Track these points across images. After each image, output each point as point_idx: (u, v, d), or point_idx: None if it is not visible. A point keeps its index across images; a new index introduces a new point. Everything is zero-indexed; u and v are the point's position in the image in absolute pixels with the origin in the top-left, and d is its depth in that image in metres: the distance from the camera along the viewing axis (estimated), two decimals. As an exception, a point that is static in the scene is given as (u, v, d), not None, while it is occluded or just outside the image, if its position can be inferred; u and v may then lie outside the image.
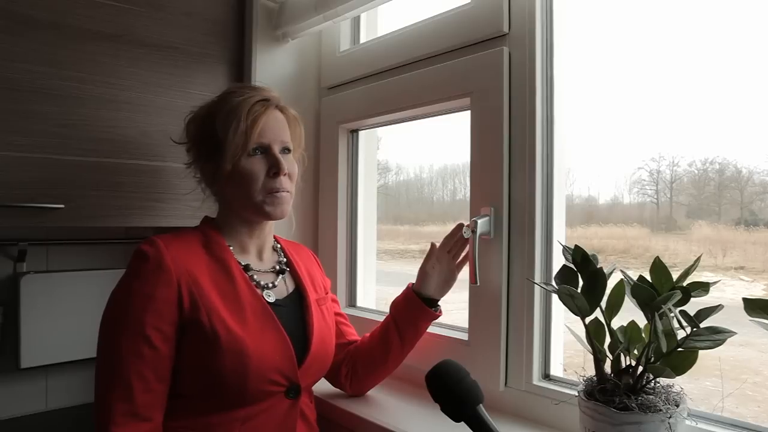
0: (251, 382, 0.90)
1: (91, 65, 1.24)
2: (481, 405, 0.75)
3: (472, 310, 1.15)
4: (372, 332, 1.17)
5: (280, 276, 1.06)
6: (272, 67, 1.51)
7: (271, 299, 1.00)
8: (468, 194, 1.19)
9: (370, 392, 1.22)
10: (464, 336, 1.18)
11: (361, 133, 1.54)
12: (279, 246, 1.13)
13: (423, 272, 1.13)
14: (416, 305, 1.11)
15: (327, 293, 1.15)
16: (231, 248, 1.01)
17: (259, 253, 1.06)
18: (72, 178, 1.21)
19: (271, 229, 1.09)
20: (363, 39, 1.56)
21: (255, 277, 1.01)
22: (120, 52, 1.28)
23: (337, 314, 1.19)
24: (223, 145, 0.96)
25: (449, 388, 0.76)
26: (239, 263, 1.00)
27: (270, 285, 1.02)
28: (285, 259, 1.10)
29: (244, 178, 0.97)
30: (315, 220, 1.59)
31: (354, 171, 1.53)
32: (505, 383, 1.10)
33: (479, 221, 1.09)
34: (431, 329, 1.26)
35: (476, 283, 1.08)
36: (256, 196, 0.98)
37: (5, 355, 1.38)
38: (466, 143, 1.17)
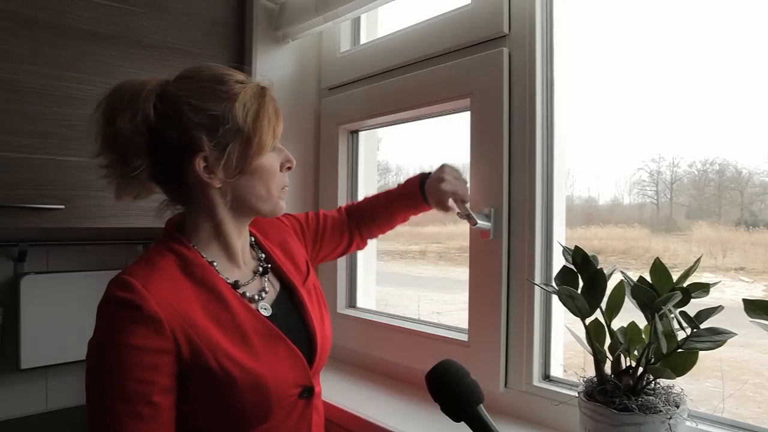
0: (274, 405, 0.87)
1: (91, 66, 1.24)
2: (481, 405, 0.75)
3: (472, 311, 1.15)
4: (373, 203, 1.21)
5: (265, 278, 0.99)
6: (272, 68, 1.51)
7: (268, 313, 0.93)
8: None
9: (370, 392, 1.23)
10: (464, 337, 1.18)
11: (361, 134, 1.54)
12: (254, 240, 1.04)
13: (440, 192, 1.10)
14: (420, 201, 1.14)
15: (308, 265, 1.06)
16: (214, 264, 0.91)
17: (242, 254, 0.97)
18: (72, 178, 1.21)
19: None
20: (363, 40, 1.56)
21: (247, 293, 0.93)
22: (120, 52, 1.28)
23: (319, 225, 1.18)
24: (250, 138, 0.87)
25: (449, 388, 0.76)
26: (226, 281, 0.91)
27: (262, 295, 0.95)
28: (264, 255, 1.02)
29: (267, 173, 0.92)
30: (315, 221, 1.59)
31: (354, 172, 1.53)
32: (505, 384, 1.09)
33: (479, 216, 1.09)
34: (430, 330, 1.26)
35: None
36: (274, 191, 0.94)
37: (5, 356, 1.38)
38: (466, 144, 1.17)
